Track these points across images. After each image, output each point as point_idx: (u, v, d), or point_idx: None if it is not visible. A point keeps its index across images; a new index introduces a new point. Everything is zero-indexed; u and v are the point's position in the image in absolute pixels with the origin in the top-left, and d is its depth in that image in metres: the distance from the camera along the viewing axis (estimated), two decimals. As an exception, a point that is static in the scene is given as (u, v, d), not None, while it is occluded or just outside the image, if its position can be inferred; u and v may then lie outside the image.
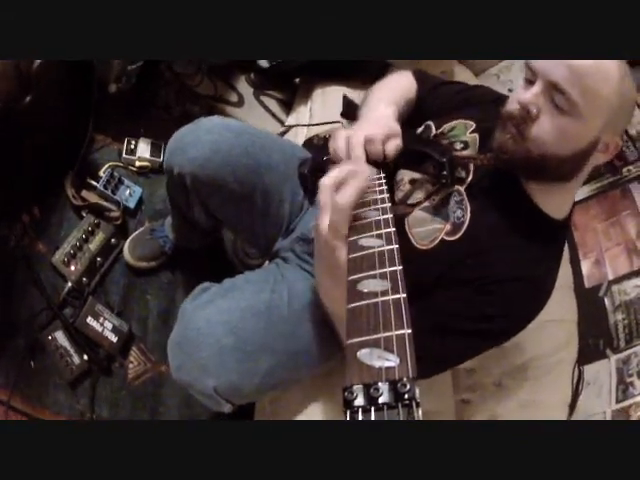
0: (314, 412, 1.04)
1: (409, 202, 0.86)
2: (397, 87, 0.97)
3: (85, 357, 1.17)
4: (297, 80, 1.66)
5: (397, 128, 0.78)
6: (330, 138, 0.78)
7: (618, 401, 1.10)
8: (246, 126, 1.02)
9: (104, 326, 1.21)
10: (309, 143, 1.15)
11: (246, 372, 0.84)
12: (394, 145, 0.75)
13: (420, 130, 0.95)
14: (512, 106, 0.72)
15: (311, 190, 0.99)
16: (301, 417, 1.05)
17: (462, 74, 1.60)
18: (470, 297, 0.76)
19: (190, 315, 0.86)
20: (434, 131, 0.92)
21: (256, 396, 0.98)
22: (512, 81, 1.56)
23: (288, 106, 1.68)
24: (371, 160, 0.73)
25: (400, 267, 0.47)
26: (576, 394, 1.17)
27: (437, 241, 0.80)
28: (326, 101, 1.46)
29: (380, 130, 0.75)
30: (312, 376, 0.99)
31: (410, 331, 0.37)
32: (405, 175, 0.88)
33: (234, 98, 1.65)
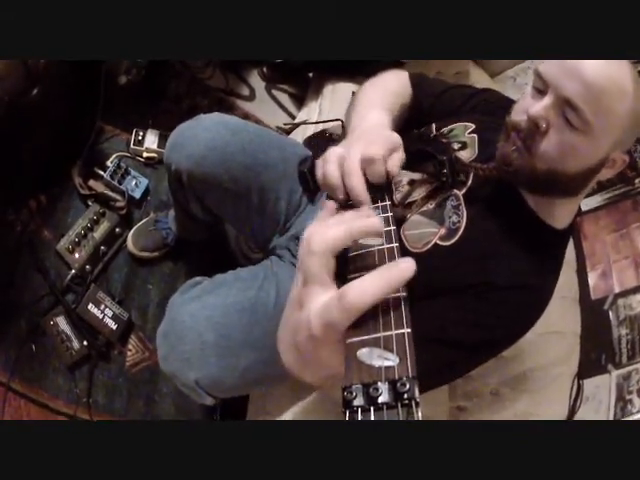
0: (305, 408, 1.05)
1: (407, 202, 0.84)
2: (389, 90, 0.87)
3: (85, 343, 1.20)
4: (310, 74, 1.65)
5: (397, 139, 0.64)
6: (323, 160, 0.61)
7: (616, 418, 1.07)
8: (245, 123, 1.01)
9: (105, 313, 1.23)
10: (310, 140, 1.14)
11: (227, 367, 0.85)
12: (397, 160, 0.61)
13: (420, 131, 0.92)
14: (519, 117, 0.68)
15: (310, 189, 0.98)
16: (292, 413, 1.05)
17: (478, 76, 1.56)
18: (464, 305, 0.73)
19: (177, 308, 0.88)
20: (434, 132, 0.89)
21: (238, 391, 0.98)
22: (528, 84, 1.50)
23: (300, 100, 1.67)
24: (372, 184, 0.60)
25: None
26: (574, 409, 1.14)
27: (430, 245, 0.78)
28: (336, 98, 1.44)
29: (379, 145, 0.59)
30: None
31: (410, 330, 0.37)
32: (404, 176, 0.86)
33: (245, 92, 1.65)
